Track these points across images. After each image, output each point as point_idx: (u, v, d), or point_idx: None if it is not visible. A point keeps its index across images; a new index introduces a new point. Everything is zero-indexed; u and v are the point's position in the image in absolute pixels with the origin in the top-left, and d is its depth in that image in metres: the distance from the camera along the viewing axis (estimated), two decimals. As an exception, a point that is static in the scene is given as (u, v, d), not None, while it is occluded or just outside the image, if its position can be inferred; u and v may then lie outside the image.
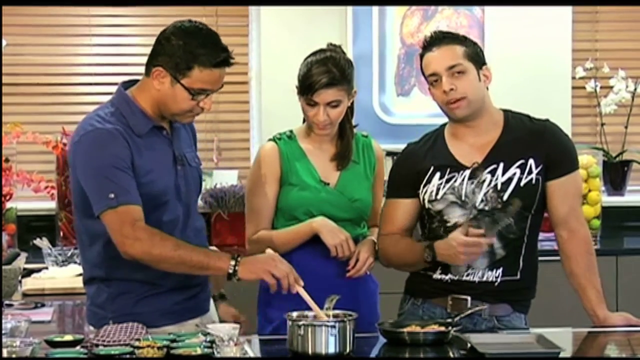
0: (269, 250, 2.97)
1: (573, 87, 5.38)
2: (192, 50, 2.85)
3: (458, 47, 3.08)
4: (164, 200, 2.93)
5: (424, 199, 3.15)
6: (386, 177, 3.39)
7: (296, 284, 2.85)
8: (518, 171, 3.09)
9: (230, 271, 2.82)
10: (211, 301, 3.16)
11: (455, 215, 3.10)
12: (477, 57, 3.10)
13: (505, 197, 3.07)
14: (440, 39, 3.10)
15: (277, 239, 3.23)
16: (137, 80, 3.01)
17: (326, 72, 3.19)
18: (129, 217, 2.81)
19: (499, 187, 3.08)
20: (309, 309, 2.81)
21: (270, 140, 3.36)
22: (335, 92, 3.20)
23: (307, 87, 3.19)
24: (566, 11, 5.34)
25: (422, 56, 3.14)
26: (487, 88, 3.14)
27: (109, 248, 2.88)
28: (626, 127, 5.38)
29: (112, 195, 2.81)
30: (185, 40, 2.87)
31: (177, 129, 3.03)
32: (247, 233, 3.33)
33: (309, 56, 3.26)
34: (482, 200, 3.08)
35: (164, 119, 2.97)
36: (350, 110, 3.32)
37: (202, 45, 2.86)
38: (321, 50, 3.26)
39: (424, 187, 3.15)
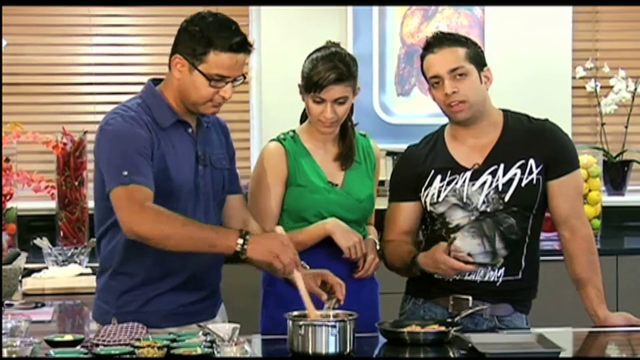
0: (279, 228, 2.94)
1: (573, 87, 5.37)
2: (207, 35, 2.85)
3: (460, 49, 3.07)
4: (179, 196, 2.92)
5: (425, 202, 3.15)
6: (385, 178, 3.38)
7: (296, 269, 2.82)
8: (519, 172, 3.09)
9: (238, 249, 2.78)
10: (221, 306, 3.13)
11: (457, 217, 3.10)
12: (478, 59, 3.09)
13: (506, 198, 3.07)
14: (441, 40, 3.08)
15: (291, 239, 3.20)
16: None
17: (333, 68, 3.16)
18: (138, 195, 2.79)
19: (500, 188, 3.08)
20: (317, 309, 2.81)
21: (273, 140, 3.33)
22: (343, 88, 3.18)
23: (314, 84, 3.17)
24: (566, 11, 5.34)
25: (422, 57, 3.13)
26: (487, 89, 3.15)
27: (123, 240, 2.87)
28: (626, 127, 5.38)
29: (125, 173, 2.80)
30: (201, 26, 2.87)
31: (206, 129, 3.03)
32: None
33: (312, 53, 3.24)
34: (483, 202, 3.09)
35: (189, 115, 2.97)
36: (350, 109, 3.31)
37: (218, 30, 2.86)
38: (325, 47, 3.24)
39: (425, 190, 3.15)
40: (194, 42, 2.86)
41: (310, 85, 3.18)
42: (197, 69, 2.86)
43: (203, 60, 2.85)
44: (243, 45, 2.88)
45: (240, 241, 2.78)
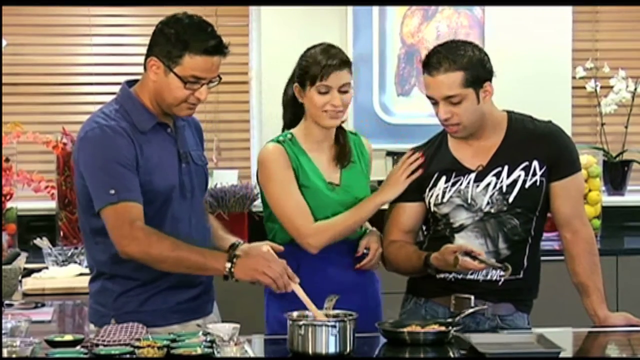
0: (265, 246, 2.95)
1: (573, 87, 5.38)
2: (183, 38, 2.86)
3: (456, 74, 3.00)
4: (168, 197, 2.93)
5: (429, 203, 3.15)
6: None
7: (292, 281, 2.84)
8: (522, 173, 3.10)
9: (226, 273, 2.83)
10: (215, 304, 3.14)
11: (461, 218, 3.11)
12: (477, 80, 3.02)
13: (510, 200, 3.08)
14: (440, 62, 3.01)
15: (342, 223, 3.18)
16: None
17: (334, 56, 3.18)
18: (127, 215, 2.81)
19: (504, 189, 3.08)
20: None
21: (272, 142, 3.30)
22: (346, 74, 3.19)
23: (319, 73, 3.16)
24: (566, 11, 5.34)
25: (423, 72, 3.08)
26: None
27: (112, 245, 2.87)
28: (626, 127, 5.38)
29: (112, 192, 2.81)
30: (176, 29, 2.88)
31: (181, 127, 3.03)
32: (301, 228, 3.16)
33: (307, 50, 3.25)
34: (487, 203, 3.09)
35: (166, 116, 2.97)
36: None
37: (193, 32, 2.87)
38: (317, 44, 3.25)
39: (429, 191, 3.15)
40: (169, 44, 2.87)
41: (316, 74, 3.17)
42: (173, 71, 2.87)
43: (178, 62, 2.86)
44: (218, 48, 2.89)
45: (228, 265, 2.82)
